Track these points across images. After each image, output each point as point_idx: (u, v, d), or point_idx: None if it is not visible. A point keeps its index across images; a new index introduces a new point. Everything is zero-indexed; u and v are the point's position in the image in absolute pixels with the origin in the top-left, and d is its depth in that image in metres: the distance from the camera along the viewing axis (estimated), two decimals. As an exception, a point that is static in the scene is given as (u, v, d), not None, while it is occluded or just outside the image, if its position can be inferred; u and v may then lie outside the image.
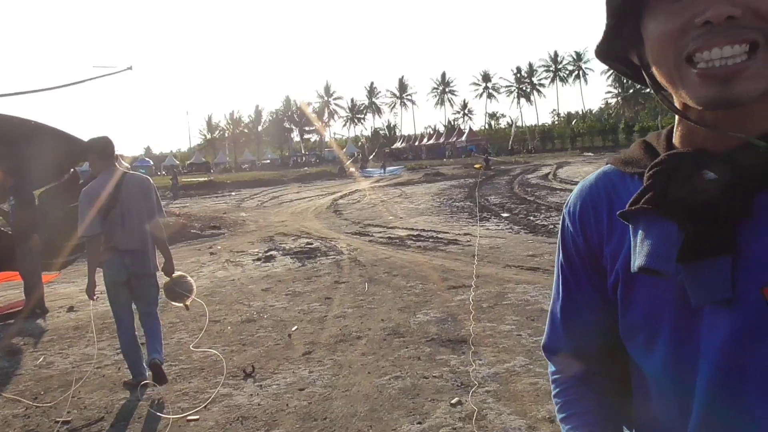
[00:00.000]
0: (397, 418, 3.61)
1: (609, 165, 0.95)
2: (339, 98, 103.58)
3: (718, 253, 0.74)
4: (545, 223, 11.84)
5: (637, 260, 0.77)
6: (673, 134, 0.85)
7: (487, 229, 11.69)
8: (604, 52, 0.87)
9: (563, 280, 1.00)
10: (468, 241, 10.31)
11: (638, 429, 0.94)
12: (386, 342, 5.12)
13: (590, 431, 0.93)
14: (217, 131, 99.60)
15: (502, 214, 13.76)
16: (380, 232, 12.08)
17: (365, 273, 8.10)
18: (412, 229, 12.32)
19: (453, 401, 3.78)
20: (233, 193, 29.22)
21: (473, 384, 4.00)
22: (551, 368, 1.06)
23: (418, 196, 20.43)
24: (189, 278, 4.73)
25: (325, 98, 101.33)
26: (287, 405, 3.92)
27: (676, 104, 0.80)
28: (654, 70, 0.79)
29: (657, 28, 0.75)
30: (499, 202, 16.52)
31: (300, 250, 10.38)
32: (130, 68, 9.38)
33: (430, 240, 10.68)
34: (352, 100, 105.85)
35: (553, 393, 1.04)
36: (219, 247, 11.46)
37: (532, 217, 12.86)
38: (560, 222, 0.99)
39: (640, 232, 0.78)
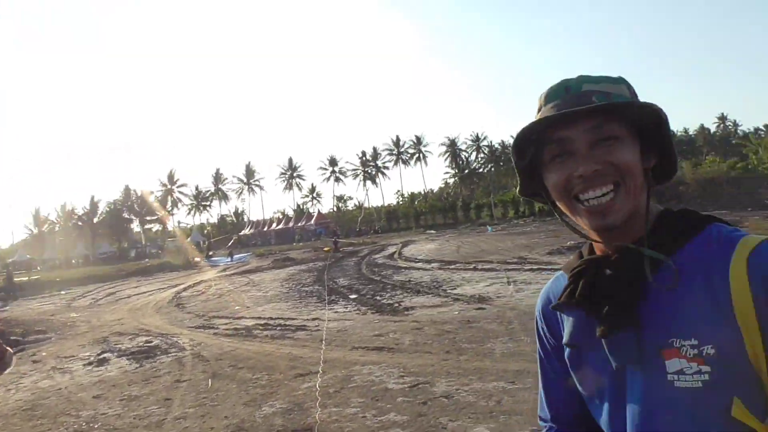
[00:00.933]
0: None
1: (560, 271, 1.26)
2: (183, 185, 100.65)
3: (625, 327, 1.02)
4: (390, 302, 12.19)
5: (564, 338, 1.14)
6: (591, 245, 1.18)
7: (336, 312, 11.80)
8: (523, 191, 1.20)
9: (540, 363, 1.29)
10: (317, 326, 10.33)
11: None
12: (229, 439, 4.94)
13: None
14: (46, 225, 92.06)
15: (350, 296, 13.97)
16: (226, 324, 11.73)
17: (209, 368, 7.79)
18: (260, 318, 12.11)
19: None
20: (63, 292, 26.94)
21: (317, 473, 3.98)
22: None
23: (266, 283, 20.16)
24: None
25: (168, 186, 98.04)
26: None
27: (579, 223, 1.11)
28: (558, 203, 1.10)
29: (552, 179, 1.07)
30: (347, 284, 16.76)
31: (138, 350, 9.76)
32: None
33: (278, 328, 10.55)
34: (197, 187, 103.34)
35: None
36: (44, 354, 10.46)
37: (378, 297, 13.18)
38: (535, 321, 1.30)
39: (565, 317, 1.15)
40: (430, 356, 7.12)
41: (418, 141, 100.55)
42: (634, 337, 1.00)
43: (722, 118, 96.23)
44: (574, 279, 1.11)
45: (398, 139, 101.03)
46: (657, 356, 0.98)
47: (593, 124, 1.02)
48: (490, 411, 4.89)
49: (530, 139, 1.07)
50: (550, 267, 15.00)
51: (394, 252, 28.20)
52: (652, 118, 1.04)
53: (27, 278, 39.65)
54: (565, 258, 16.60)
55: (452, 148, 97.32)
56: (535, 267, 15.45)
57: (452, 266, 18.33)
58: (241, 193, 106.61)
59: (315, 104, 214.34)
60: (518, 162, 1.12)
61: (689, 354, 0.96)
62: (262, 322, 11.47)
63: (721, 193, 33.07)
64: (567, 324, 1.14)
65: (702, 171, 37.54)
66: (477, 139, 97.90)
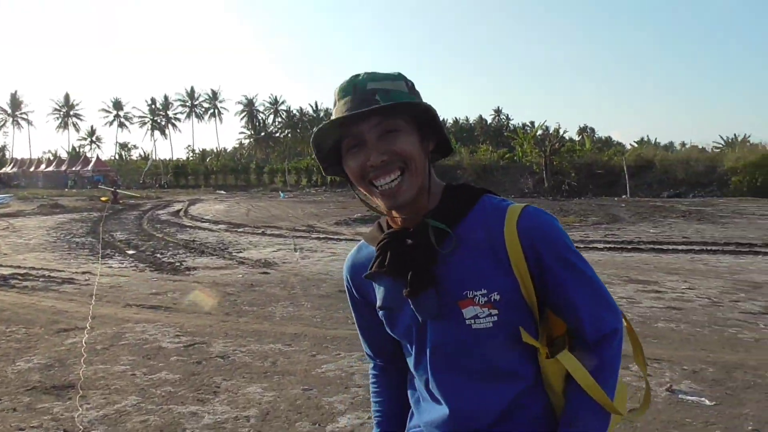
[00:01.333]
0: (-18, 481, 3.23)
1: (362, 241, 1.47)
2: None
3: (426, 288, 1.25)
4: (172, 260, 11.76)
5: (378, 303, 1.38)
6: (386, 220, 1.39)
7: (110, 267, 11.09)
8: (327, 173, 1.37)
9: (356, 315, 1.54)
10: (87, 279, 9.63)
11: (410, 393, 1.47)
12: (-26, 397, 4.49)
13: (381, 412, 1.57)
14: None
15: (128, 252, 13.19)
16: (-24, 272, 10.42)
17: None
18: (20, 266, 10.94)
19: (53, 451, 3.55)
20: None
21: (78, 429, 3.81)
22: (370, 368, 1.64)
23: (29, 230, 18.16)
24: None
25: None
26: None
27: (376, 203, 1.32)
28: (357, 185, 1.30)
29: (350, 165, 1.27)
30: (125, 239, 15.76)
31: None
32: None
33: (41, 279, 9.65)
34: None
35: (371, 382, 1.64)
36: None
37: (159, 255, 12.62)
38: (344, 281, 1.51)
39: (377, 285, 1.38)
40: (208, 317, 7.07)
41: (214, 96, 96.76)
42: (434, 294, 1.24)
43: (498, 111, 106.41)
44: (381, 250, 1.30)
45: (192, 91, 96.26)
46: (454, 308, 1.25)
47: (378, 120, 1.23)
48: (264, 371, 5.05)
49: (328, 133, 1.27)
50: (336, 237, 15.56)
51: (180, 209, 27.00)
52: (426, 113, 1.27)
53: None
54: (350, 229, 17.35)
55: (249, 108, 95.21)
56: (322, 236, 15.91)
57: (240, 229, 18.13)
58: (3, 125, 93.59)
59: (101, 38, 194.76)
60: (318, 155, 1.33)
61: (481, 302, 1.23)
62: (22, 271, 10.38)
63: (493, 179, 36.75)
64: (379, 290, 1.37)
65: (477, 158, 41.36)
66: (275, 102, 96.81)
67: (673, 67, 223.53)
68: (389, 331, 1.40)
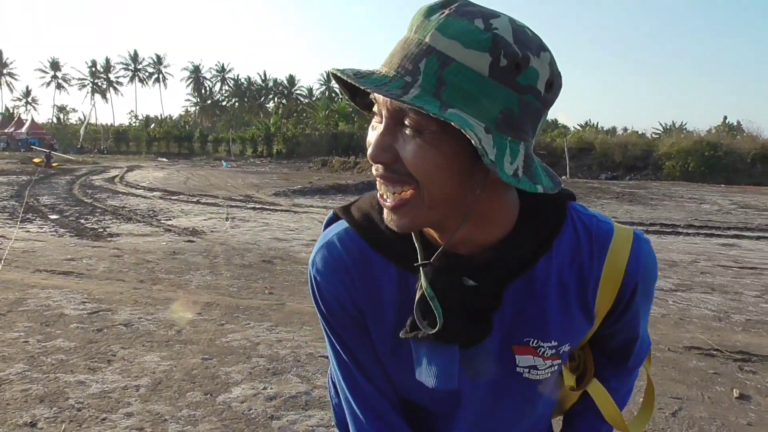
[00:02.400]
0: None
1: (344, 230, 0.98)
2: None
3: (482, 339, 0.90)
4: (96, 226, 11.35)
5: (428, 381, 0.93)
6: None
7: (27, 231, 10.62)
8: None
9: (350, 345, 1.00)
10: (0, 244, 9.19)
11: None
12: None
13: None
14: None
15: (51, 216, 12.66)
16: None
17: None
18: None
19: None
20: None
21: (-51, 399, 3.61)
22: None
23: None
24: None
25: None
26: None
27: None
28: None
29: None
30: (51, 203, 15.14)
31: None
32: None
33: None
34: None
35: None
36: None
37: (83, 220, 12.16)
38: (311, 283, 1.00)
39: (423, 351, 0.92)
40: (121, 284, 6.83)
41: (159, 60, 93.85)
42: (490, 346, 0.93)
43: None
44: (429, 296, 0.86)
45: (136, 54, 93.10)
46: (507, 350, 0.95)
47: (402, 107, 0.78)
48: (167, 340, 4.90)
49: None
50: (272, 207, 15.34)
51: (117, 176, 26.15)
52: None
53: None
54: (288, 200, 17.17)
55: (196, 75, 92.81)
56: (257, 206, 15.66)
57: (175, 197, 17.68)
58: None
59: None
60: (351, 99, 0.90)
61: (547, 354, 0.95)
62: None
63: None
64: (423, 359, 0.93)
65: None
66: (222, 70, 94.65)
67: (626, 52, 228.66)
68: (385, 361, 1.00)
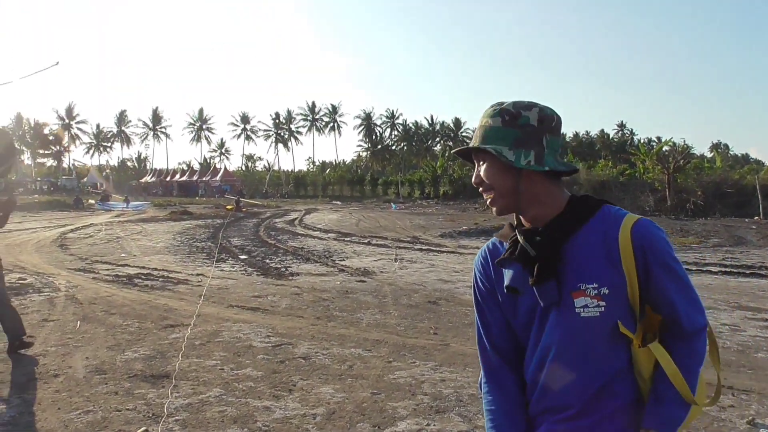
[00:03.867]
0: (78, 451, 3.69)
1: (494, 237, 1.71)
2: (83, 122, 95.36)
3: (549, 279, 1.50)
4: (278, 266, 12.42)
5: (505, 283, 1.58)
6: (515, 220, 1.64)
7: (222, 270, 11.90)
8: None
9: (479, 310, 1.71)
10: (199, 281, 10.42)
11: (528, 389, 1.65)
12: (85, 379, 5.07)
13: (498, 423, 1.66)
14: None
15: (241, 256, 14.07)
16: (108, 270, 11.57)
17: (80, 311, 7.78)
18: (144, 267, 12.01)
19: (140, 431, 3.97)
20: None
21: (164, 414, 4.23)
22: (484, 391, 1.72)
23: (159, 234, 19.80)
24: None
25: (66, 120, 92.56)
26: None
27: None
28: None
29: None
30: (240, 244, 16.80)
31: (8, 287, 9.50)
32: (57, 63, 8.80)
33: (160, 279, 10.56)
34: (98, 126, 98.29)
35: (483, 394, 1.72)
36: None
37: (268, 260, 13.37)
38: (473, 276, 1.73)
39: (506, 270, 1.59)
40: (300, 320, 7.46)
41: (334, 110, 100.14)
42: (555, 285, 1.49)
43: (621, 125, 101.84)
44: (513, 243, 1.57)
45: (314, 105, 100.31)
46: (569, 297, 1.48)
47: (474, 153, 1.63)
48: (340, 374, 5.29)
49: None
50: (438, 249, 15.70)
51: (296, 218, 28.28)
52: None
53: None
54: (454, 242, 17.44)
55: (367, 122, 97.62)
56: (424, 247, 16.11)
57: (348, 238, 18.74)
58: (145, 138, 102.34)
59: (232, 57, 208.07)
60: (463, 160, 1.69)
61: (591, 293, 1.47)
62: (146, 271, 11.41)
63: (610, 195, 35.25)
64: (507, 275, 1.58)
65: (595, 173, 39.87)
66: (392, 116, 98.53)
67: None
68: (510, 320, 1.63)
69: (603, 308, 1.47)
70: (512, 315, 1.60)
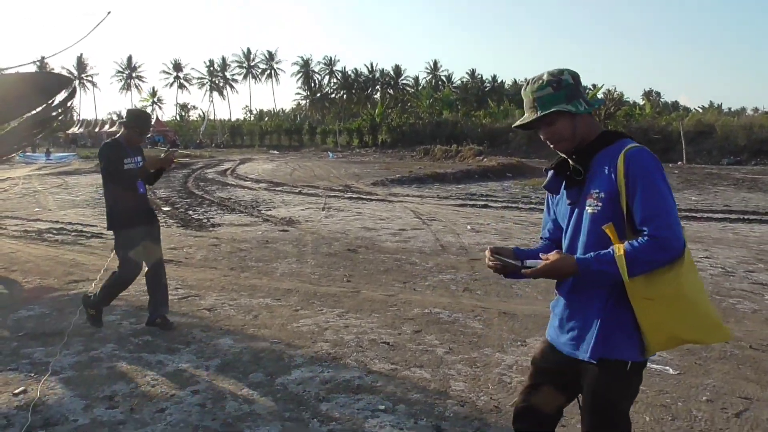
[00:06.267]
0: (-56, 414, 3.49)
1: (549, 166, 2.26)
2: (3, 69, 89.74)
3: (573, 186, 2.12)
4: (201, 217, 12.12)
5: (545, 184, 2.26)
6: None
7: (141, 222, 11.50)
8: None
9: (546, 209, 2.38)
10: (113, 235, 10.02)
11: None
12: (-31, 339, 4.82)
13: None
14: None
15: (163, 208, 13.64)
16: (17, 225, 11.02)
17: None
18: (58, 221, 11.49)
19: (16, 391, 3.79)
20: None
21: (47, 372, 4.05)
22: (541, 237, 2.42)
23: (81, 187, 18.98)
24: None
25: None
26: None
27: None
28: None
29: (540, 135, 2.17)
30: (165, 196, 16.29)
31: None
32: (109, 13, 9.17)
33: (73, 234, 10.13)
34: (17, 73, 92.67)
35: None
36: None
37: (191, 212, 13.02)
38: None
39: (547, 177, 2.24)
40: (213, 271, 7.30)
41: (270, 56, 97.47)
42: (578, 190, 2.08)
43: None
44: (555, 163, 2.20)
45: (249, 52, 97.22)
46: (584, 200, 2.05)
47: (539, 121, 2.10)
48: (243, 324, 5.20)
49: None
50: (368, 197, 15.65)
51: (228, 168, 27.63)
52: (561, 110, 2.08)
53: None
54: (385, 189, 17.42)
55: (305, 69, 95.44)
56: (354, 195, 16.04)
57: (279, 188, 18.46)
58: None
59: (159, 2, 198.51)
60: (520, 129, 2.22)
61: (594, 196, 2.01)
62: (59, 226, 10.92)
63: (540, 142, 35.79)
64: (547, 180, 2.24)
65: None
66: (330, 63, 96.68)
67: (753, 29, 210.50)
68: (554, 213, 2.28)
69: (599, 208, 1.99)
70: (556, 209, 2.26)
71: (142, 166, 5.07)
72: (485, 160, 27.23)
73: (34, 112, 9.57)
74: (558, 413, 2.27)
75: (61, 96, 9.31)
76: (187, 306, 5.78)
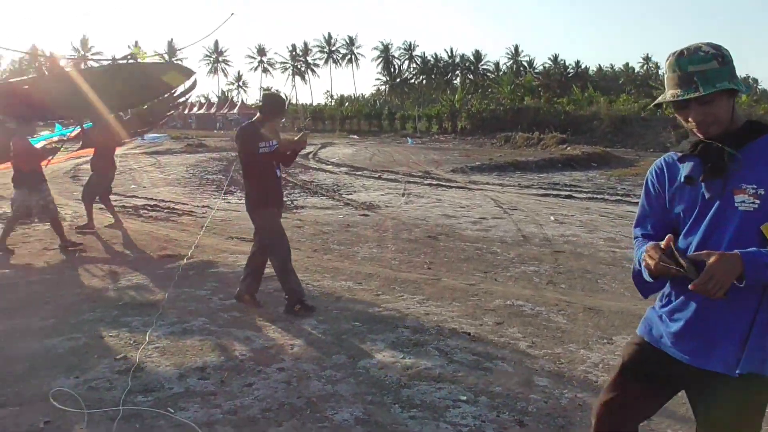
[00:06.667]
0: (55, 374, 3.76)
1: (671, 152, 2.05)
2: (98, 53, 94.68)
3: (717, 177, 1.85)
4: (285, 199, 12.37)
5: (684, 173, 1.91)
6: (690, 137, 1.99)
7: (228, 202, 11.95)
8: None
9: (646, 201, 2.12)
10: (204, 213, 10.48)
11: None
12: (74, 306, 5.16)
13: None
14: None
15: (249, 189, 14.06)
16: (115, 200, 11.58)
17: (81, 240, 7.86)
18: (152, 198, 12.10)
19: (118, 357, 4.03)
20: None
21: (145, 341, 4.29)
22: (635, 235, 2.16)
23: (172, 167, 19.87)
24: None
25: (82, 52, 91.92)
26: (-61, 368, 3.84)
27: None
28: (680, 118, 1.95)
29: (677, 113, 1.92)
30: (250, 177, 16.77)
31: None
32: (233, 14, 10.35)
33: (165, 210, 10.65)
34: (113, 58, 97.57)
35: (634, 246, 2.13)
36: None
37: (275, 193, 13.35)
38: (646, 177, 2.12)
39: (686, 164, 1.92)
40: (296, 252, 7.41)
41: (351, 42, 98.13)
42: (721, 182, 1.84)
43: (647, 59, 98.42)
44: (693, 147, 1.92)
45: (330, 37, 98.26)
46: (730, 194, 1.83)
47: (696, 98, 1.82)
48: (326, 306, 5.31)
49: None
50: (448, 184, 15.58)
51: (310, 152, 28.17)
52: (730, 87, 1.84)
53: None
54: (465, 177, 17.26)
55: (385, 54, 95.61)
56: (434, 182, 16.00)
57: (359, 172, 18.66)
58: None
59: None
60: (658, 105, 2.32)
61: (749, 192, 1.80)
62: (153, 203, 11.50)
63: (630, 131, 34.53)
64: (685, 168, 1.92)
65: (615, 108, 38.89)
66: (410, 48, 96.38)
67: None
68: (671, 207, 2.01)
69: (757, 205, 1.79)
70: (677, 202, 1.98)
71: (276, 149, 5.13)
72: (568, 148, 26.53)
73: (158, 99, 10.39)
74: (641, 420, 2.16)
75: (183, 86, 9.92)
76: (273, 285, 5.95)
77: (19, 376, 3.75)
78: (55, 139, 9.28)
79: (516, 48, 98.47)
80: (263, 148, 5.04)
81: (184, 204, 11.54)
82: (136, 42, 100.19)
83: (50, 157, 8.13)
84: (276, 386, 3.67)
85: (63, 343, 4.30)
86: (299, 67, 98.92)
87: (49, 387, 3.53)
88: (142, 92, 9.57)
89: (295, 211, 10.94)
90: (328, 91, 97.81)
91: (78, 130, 9.72)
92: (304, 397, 3.53)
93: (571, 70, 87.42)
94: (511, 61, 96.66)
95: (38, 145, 8.29)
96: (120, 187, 14.01)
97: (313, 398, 3.52)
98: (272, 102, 5.24)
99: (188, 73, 10.31)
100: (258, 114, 5.20)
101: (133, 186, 14.39)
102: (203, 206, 11.34)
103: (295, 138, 5.27)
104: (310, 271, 6.53)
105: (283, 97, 5.62)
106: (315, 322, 4.86)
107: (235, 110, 66.50)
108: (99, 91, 8.40)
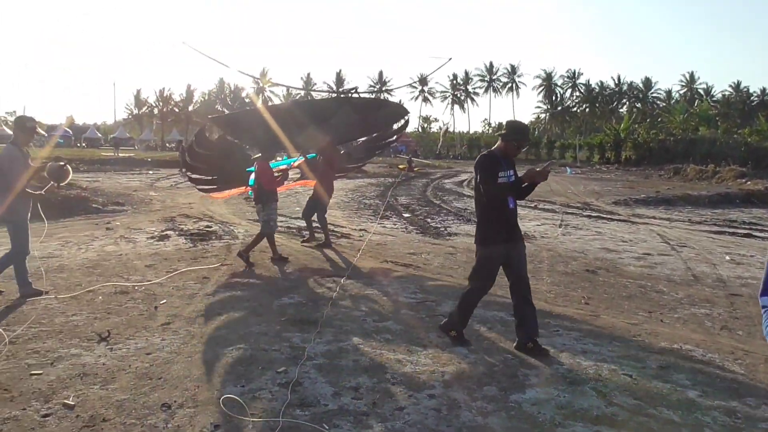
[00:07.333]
0: (225, 381, 4.06)
1: None
2: (276, 85, 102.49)
3: None
4: (438, 225, 12.54)
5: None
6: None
7: (384, 227, 12.28)
8: None
9: None
10: (360, 236, 10.86)
11: None
12: (243, 318, 5.56)
13: None
14: (145, 107, 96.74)
15: (404, 215, 14.40)
16: (282, 221, 12.44)
17: (251, 258, 8.47)
18: (313, 220, 12.72)
19: (279, 370, 4.27)
20: (151, 172, 28.75)
21: (303, 357, 4.50)
22: (762, 304, 2.05)
23: (336, 191, 20.81)
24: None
25: (261, 84, 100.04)
26: (129, 366, 4.30)
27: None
28: None
29: None
30: (406, 203, 17.17)
31: (196, 232, 10.63)
32: (450, 59, 10.79)
33: (325, 233, 11.16)
34: (287, 89, 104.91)
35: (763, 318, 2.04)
36: (117, 223, 11.54)
37: (429, 220, 13.54)
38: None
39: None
40: (450, 279, 7.49)
41: (513, 70, 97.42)
42: None
43: None
44: None
45: (491, 66, 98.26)
46: None
47: None
48: (478, 335, 5.25)
49: None
50: (609, 216, 14.82)
51: (465, 180, 28.25)
52: None
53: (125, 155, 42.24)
54: (628, 210, 16.35)
55: (547, 82, 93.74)
56: (593, 214, 15.30)
57: (514, 201, 18.33)
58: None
59: (405, 21, 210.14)
60: None
61: None
62: (314, 225, 12.10)
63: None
64: None
65: None
66: (573, 76, 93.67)
67: None
68: None
69: None
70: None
71: (515, 180, 4.89)
72: (749, 183, 24.12)
73: (375, 134, 11.28)
74: None
75: (398, 124, 10.64)
76: (425, 311, 6.00)
77: (195, 379, 4.10)
78: (284, 167, 10.17)
79: (691, 75, 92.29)
80: (502, 177, 4.81)
81: (342, 227, 12.05)
82: (308, 74, 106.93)
83: (285, 182, 9.11)
84: (426, 413, 3.67)
85: (232, 352, 4.64)
86: (459, 95, 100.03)
87: (221, 393, 3.82)
88: (362, 126, 10.33)
89: (448, 237, 10.99)
90: (486, 119, 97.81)
91: (301, 159, 10.57)
92: (454, 427, 3.49)
93: (756, 98, 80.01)
94: (685, 89, 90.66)
95: (274, 170, 9.17)
96: (287, 209, 14.96)
97: (464, 429, 3.47)
98: (515, 131, 4.92)
99: (404, 112, 10.87)
100: (499, 141, 4.97)
101: (297, 208, 15.27)
102: (360, 229, 11.76)
103: (537, 168, 4.88)
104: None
105: (527, 125, 5.30)
106: (466, 351, 4.81)
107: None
108: (331, 123, 9.20)
